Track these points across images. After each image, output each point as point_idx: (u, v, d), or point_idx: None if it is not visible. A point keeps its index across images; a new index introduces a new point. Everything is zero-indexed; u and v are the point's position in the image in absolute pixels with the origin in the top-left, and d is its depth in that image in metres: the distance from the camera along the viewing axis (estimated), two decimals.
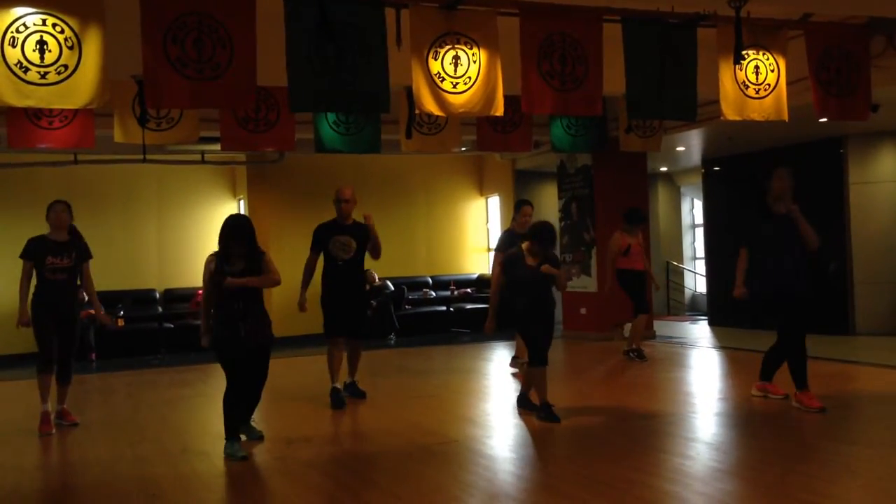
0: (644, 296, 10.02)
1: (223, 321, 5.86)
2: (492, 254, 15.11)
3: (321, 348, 8.17)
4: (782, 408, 6.74)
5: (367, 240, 7.68)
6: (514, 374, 9.01)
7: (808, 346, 6.78)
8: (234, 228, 5.86)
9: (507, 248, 7.64)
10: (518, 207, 8.95)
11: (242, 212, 13.67)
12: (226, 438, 5.85)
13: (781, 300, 6.71)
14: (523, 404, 6.97)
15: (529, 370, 6.89)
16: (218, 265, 5.84)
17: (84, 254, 7.06)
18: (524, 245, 6.77)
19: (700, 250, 16.65)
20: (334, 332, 7.69)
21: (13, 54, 5.39)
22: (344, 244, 7.61)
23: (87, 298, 7.27)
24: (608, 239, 10.10)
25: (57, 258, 6.84)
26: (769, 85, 7.25)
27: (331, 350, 7.72)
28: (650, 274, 10.39)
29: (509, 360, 9.65)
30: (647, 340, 11.59)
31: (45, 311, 6.86)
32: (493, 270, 7.39)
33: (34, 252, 6.86)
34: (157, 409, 8.07)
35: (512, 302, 6.77)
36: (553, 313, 6.89)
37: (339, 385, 7.71)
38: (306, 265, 7.65)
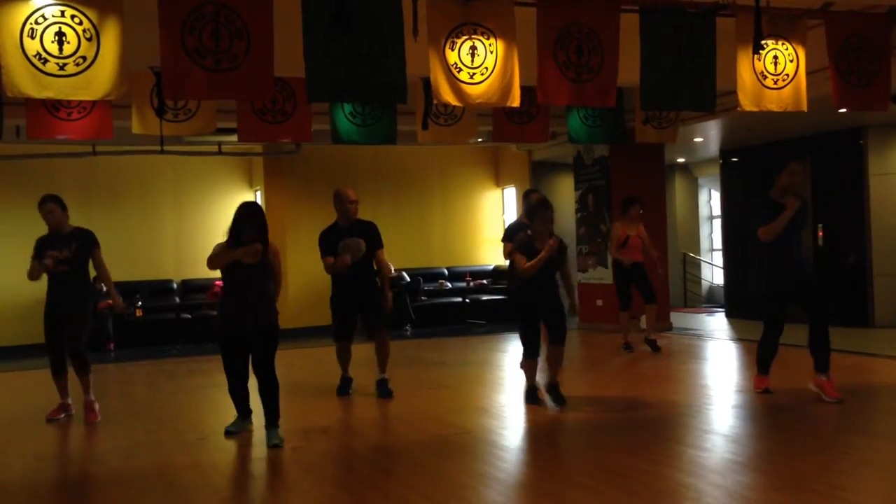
0: (628, 290, 9.94)
1: (229, 306, 5.98)
2: None
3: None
4: (799, 400, 6.70)
5: (372, 238, 7.37)
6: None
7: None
8: (249, 215, 5.88)
9: (512, 236, 7.62)
10: (525, 197, 8.87)
11: (259, 203, 13.71)
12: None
13: (788, 294, 6.68)
14: (534, 399, 6.93)
15: (548, 350, 6.86)
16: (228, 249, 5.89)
17: (86, 243, 6.96)
18: (530, 231, 6.81)
19: (717, 242, 16.56)
20: (342, 335, 7.57)
21: (32, 46, 5.43)
22: (352, 245, 7.25)
23: (104, 289, 7.27)
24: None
25: (56, 250, 6.81)
26: (788, 75, 7.18)
27: (339, 348, 7.64)
28: (660, 262, 10.29)
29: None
30: (662, 332, 11.57)
31: (50, 310, 6.89)
32: (510, 258, 7.29)
33: (37, 249, 6.90)
34: (175, 399, 8.14)
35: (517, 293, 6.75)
36: (559, 296, 6.85)
37: (350, 375, 7.68)
38: (330, 269, 7.31)
